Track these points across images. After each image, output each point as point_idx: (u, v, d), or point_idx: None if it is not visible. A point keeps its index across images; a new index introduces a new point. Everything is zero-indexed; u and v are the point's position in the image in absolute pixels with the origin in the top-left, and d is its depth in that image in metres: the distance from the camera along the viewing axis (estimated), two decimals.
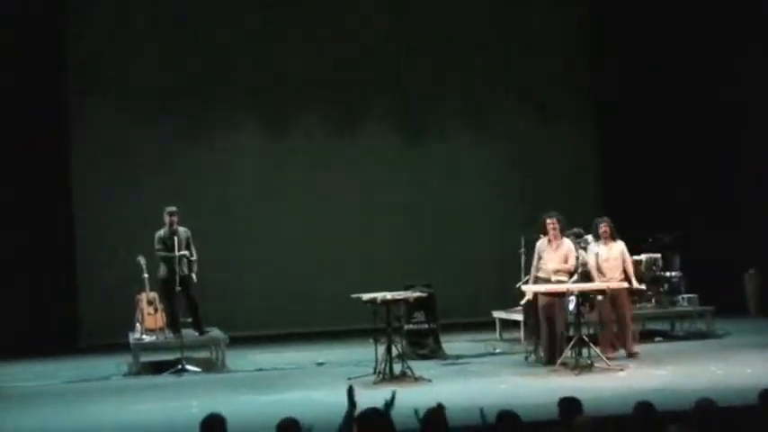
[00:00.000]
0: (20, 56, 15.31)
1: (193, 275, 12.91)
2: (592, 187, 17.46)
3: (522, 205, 16.18)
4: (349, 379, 11.17)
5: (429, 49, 17.07)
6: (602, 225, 12.59)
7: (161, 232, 12.86)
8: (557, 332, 11.84)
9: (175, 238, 12.75)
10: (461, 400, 9.42)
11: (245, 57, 16.51)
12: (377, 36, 16.96)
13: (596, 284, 12.42)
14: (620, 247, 12.56)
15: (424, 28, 17.08)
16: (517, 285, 12.49)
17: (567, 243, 12.29)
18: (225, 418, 6.09)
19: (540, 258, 12.22)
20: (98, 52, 16.08)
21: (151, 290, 13.15)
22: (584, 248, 13.21)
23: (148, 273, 13.09)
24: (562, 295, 12.31)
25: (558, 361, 11.65)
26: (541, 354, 11.98)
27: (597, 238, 12.62)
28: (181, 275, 12.79)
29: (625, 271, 12.54)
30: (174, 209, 12.91)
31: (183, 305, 12.94)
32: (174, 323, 12.87)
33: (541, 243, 12.26)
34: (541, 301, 11.93)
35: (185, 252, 12.77)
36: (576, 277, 12.46)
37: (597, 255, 12.46)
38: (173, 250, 12.68)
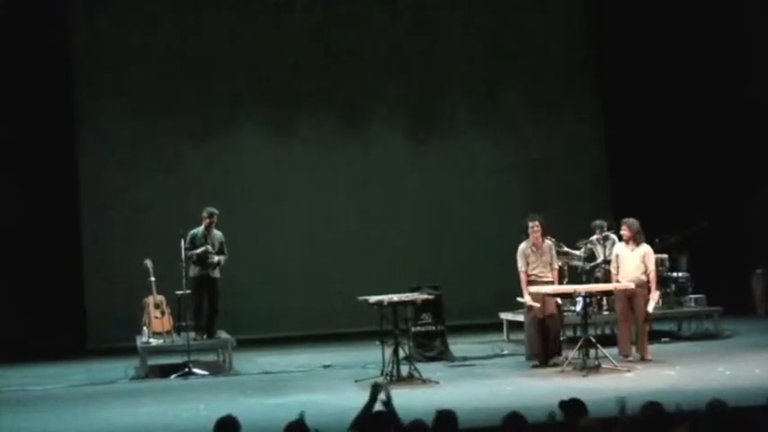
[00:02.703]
0: (26, 57, 15.32)
1: (215, 258, 12.99)
2: (599, 188, 17.41)
3: (529, 206, 16.11)
4: (356, 381, 11.21)
5: (434, 48, 17.05)
6: (622, 227, 12.30)
7: (195, 231, 12.99)
8: (550, 333, 11.89)
9: (207, 240, 12.94)
10: (469, 401, 9.44)
11: (248, 56, 16.49)
12: (382, 35, 16.94)
13: (602, 285, 12.38)
14: (641, 251, 12.18)
15: (429, 27, 17.06)
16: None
17: (549, 245, 12.24)
18: (239, 422, 6.07)
19: (527, 263, 12.13)
20: (103, 53, 16.08)
21: (158, 293, 13.17)
22: (603, 244, 13.25)
23: (155, 276, 13.14)
24: (568, 296, 12.34)
25: (552, 360, 11.73)
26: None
27: (620, 238, 12.43)
28: (210, 277, 12.95)
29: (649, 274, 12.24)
30: (214, 210, 13.02)
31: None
32: (198, 323, 12.97)
33: (525, 247, 12.14)
34: (544, 312, 11.92)
35: (200, 251, 12.83)
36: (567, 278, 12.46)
37: (618, 256, 12.24)
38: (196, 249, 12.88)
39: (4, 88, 15.27)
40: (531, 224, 12.11)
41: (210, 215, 13.03)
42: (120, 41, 16.15)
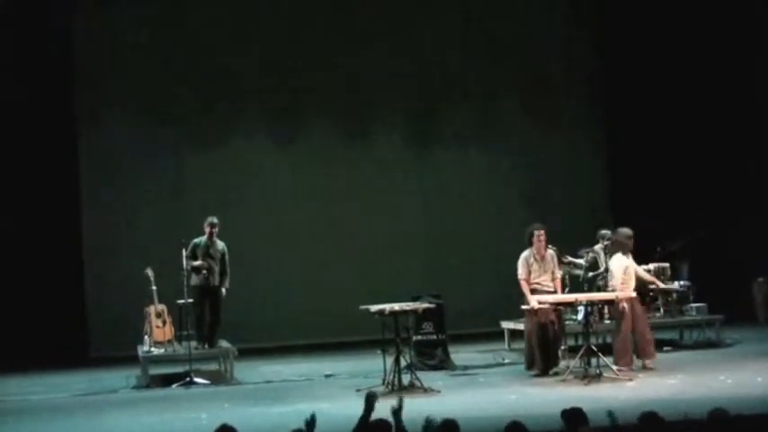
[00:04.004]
0: (27, 60, 15.35)
1: (223, 289, 13.04)
2: (600, 196, 17.44)
3: (530, 213, 16.13)
4: (358, 390, 11.21)
5: (435, 55, 17.08)
6: (631, 238, 12.24)
7: (197, 240, 13.00)
8: (550, 341, 11.90)
9: (210, 249, 12.93)
10: (470, 410, 9.44)
11: (252, 63, 16.55)
12: (384, 43, 16.98)
13: (604, 294, 12.35)
14: (630, 260, 12.31)
15: (431, 35, 17.10)
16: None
17: (551, 254, 12.26)
18: (237, 431, 6.08)
19: (529, 272, 12.10)
20: (104, 58, 16.12)
21: (159, 302, 13.18)
22: (606, 253, 13.27)
23: (156, 285, 13.14)
24: (570, 305, 12.33)
25: (552, 369, 11.74)
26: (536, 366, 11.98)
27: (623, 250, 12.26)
28: (212, 286, 12.94)
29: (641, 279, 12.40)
30: (214, 220, 13.03)
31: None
32: (199, 332, 12.97)
33: (528, 255, 12.12)
34: (545, 318, 11.93)
35: (196, 263, 12.85)
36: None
37: (626, 267, 12.17)
38: (204, 260, 12.83)
39: (5, 92, 15.27)
40: (537, 233, 12.10)
41: (211, 225, 13.04)
42: (122, 46, 16.19)
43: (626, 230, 12.29)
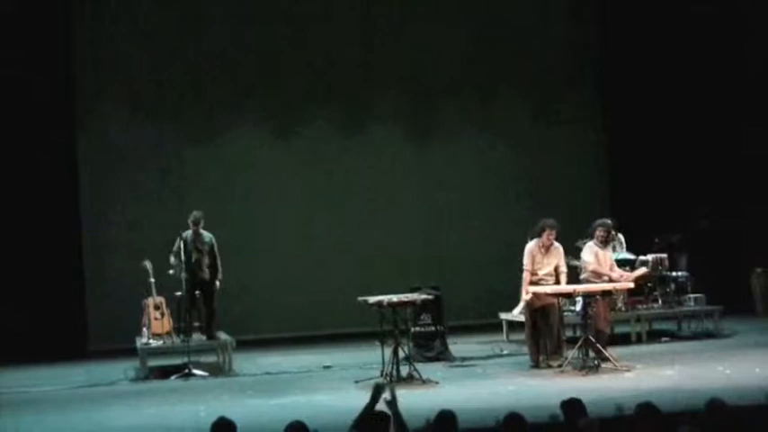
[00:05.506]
0: (27, 59, 15.31)
1: (217, 282, 13.03)
2: (599, 188, 17.41)
3: (529, 206, 16.17)
4: (356, 382, 11.22)
5: (435, 49, 17.03)
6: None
7: (185, 234, 12.95)
8: (553, 332, 11.87)
9: (196, 243, 12.91)
10: (469, 402, 9.45)
11: (250, 58, 16.50)
12: (382, 36, 16.95)
13: (602, 285, 12.36)
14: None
15: (430, 28, 17.05)
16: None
17: (557, 246, 12.11)
18: (235, 424, 6.08)
19: (533, 263, 12.00)
20: (105, 55, 16.09)
21: (158, 294, 13.18)
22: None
23: (155, 277, 13.14)
24: (568, 296, 12.32)
25: (557, 361, 11.71)
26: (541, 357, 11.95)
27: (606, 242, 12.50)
28: (202, 279, 12.93)
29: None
30: (196, 216, 13.01)
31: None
32: (186, 326, 12.96)
33: (534, 246, 12.02)
34: (541, 301, 11.91)
35: (172, 262, 12.87)
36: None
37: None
38: (189, 254, 12.80)
39: (4, 91, 15.26)
40: (548, 232, 11.89)
41: (194, 222, 13.00)
42: (121, 42, 16.13)
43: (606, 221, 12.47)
